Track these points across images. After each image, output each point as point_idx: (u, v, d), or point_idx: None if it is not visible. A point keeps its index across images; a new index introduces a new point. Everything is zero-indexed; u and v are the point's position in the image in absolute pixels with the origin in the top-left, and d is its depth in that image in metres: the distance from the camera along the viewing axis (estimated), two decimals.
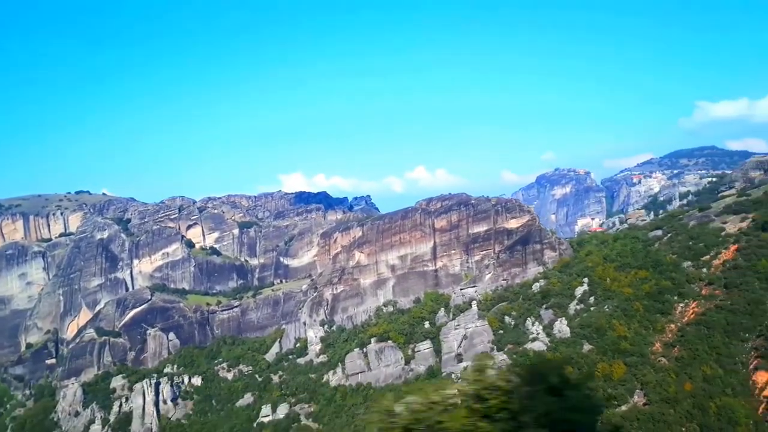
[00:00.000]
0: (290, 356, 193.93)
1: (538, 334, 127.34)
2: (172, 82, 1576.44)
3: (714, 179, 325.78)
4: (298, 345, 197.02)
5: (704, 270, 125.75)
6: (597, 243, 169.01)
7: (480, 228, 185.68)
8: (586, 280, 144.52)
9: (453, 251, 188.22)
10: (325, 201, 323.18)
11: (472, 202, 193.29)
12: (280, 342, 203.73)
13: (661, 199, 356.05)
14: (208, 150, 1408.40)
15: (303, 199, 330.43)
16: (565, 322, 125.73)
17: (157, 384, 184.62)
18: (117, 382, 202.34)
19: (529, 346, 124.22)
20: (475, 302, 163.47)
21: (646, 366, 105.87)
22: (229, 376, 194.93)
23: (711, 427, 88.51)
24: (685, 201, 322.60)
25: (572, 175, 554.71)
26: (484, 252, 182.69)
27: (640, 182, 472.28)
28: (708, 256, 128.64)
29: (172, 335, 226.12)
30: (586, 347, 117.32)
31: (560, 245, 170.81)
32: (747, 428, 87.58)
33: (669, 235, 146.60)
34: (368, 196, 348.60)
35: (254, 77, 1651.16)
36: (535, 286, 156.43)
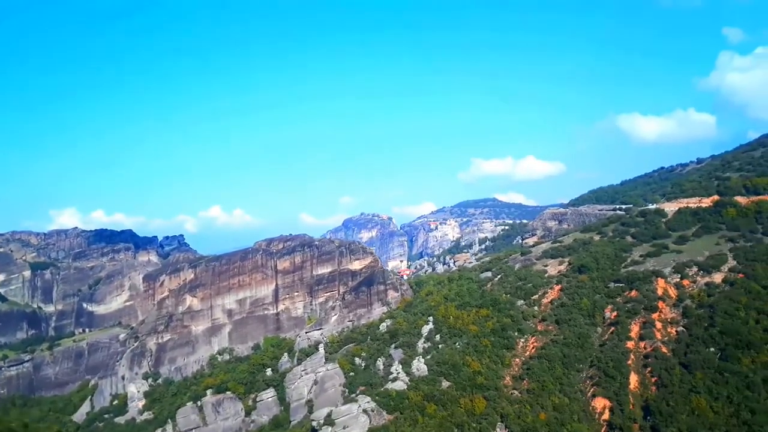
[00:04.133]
0: (106, 415, 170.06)
1: (398, 373, 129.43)
2: None
3: (506, 227, 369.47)
4: (115, 402, 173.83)
5: (536, 308, 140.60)
6: (434, 283, 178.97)
7: (324, 269, 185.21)
8: (431, 318, 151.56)
9: (296, 293, 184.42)
10: (131, 240, 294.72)
11: (316, 243, 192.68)
12: (91, 399, 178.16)
13: (463, 243, 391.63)
14: None
15: (104, 237, 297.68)
16: (422, 360, 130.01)
17: None
18: None
19: (390, 386, 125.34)
20: (321, 345, 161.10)
21: (503, 399, 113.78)
22: None
23: None
24: (483, 246, 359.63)
25: (377, 220, 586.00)
26: (328, 293, 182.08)
27: (437, 228, 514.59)
28: (537, 296, 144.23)
29: None
30: (445, 384, 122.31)
31: (401, 286, 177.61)
32: None
33: (499, 276, 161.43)
34: (181, 235, 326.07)
35: (26, 107, 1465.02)
36: (382, 326, 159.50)
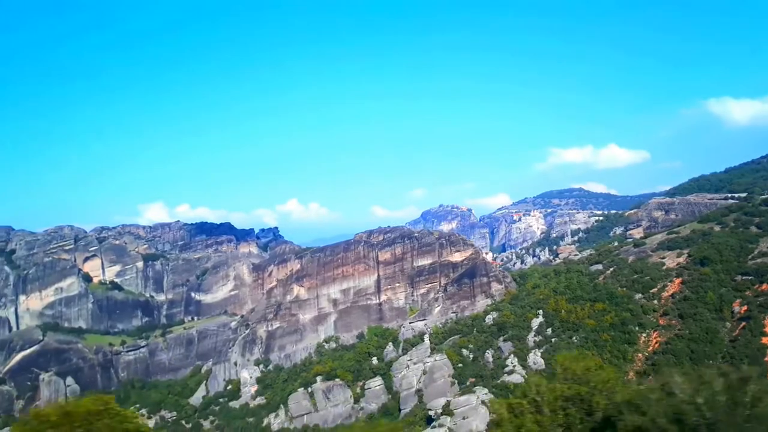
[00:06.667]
0: (220, 399, 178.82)
1: (514, 366, 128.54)
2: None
3: (601, 218, 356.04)
4: (229, 387, 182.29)
5: (655, 301, 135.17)
6: (539, 276, 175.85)
7: (425, 261, 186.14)
8: (540, 312, 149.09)
9: (397, 284, 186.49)
10: (230, 232, 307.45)
11: (416, 235, 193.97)
12: (206, 384, 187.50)
13: (554, 235, 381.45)
14: (53, 178, 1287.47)
15: (205, 230, 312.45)
16: (539, 354, 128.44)
17: None
18: None
19: (506, 379, 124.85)
20: (426, 336, 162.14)
21: None
22: (150, 423, 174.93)
23: None
24: (576, 238, 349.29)
25: (457, 212, 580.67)
26: (429, 285, 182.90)
27: (520, 219, 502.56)
28: (656, 289, 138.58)
29: (70, 380, 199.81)
30: None
31: (505, 278, 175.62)
32: None
33: (612, 269, 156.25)
34: (276, 228, 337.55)
35: (115, 104, 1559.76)
36: (488, 318, 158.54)
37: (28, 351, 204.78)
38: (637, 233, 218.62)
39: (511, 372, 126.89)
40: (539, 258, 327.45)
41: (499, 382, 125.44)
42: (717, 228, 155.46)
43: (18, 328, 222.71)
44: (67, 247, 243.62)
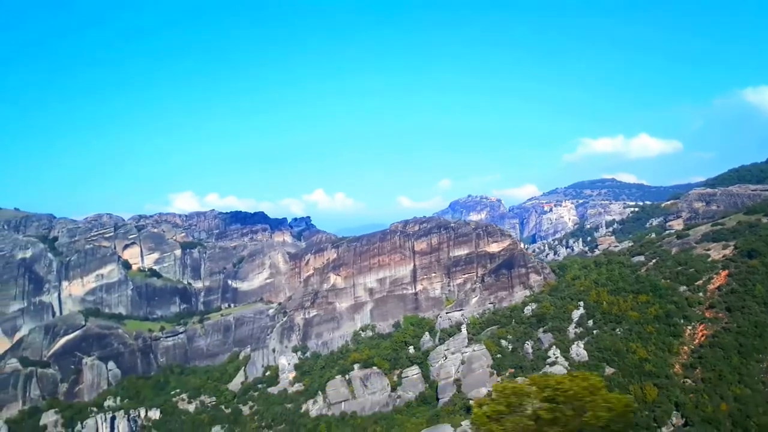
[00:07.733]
0: (259, 385, 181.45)
1: (556, 357, 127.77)
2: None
3: (636, 209, 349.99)
4: (267, 373, 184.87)
5: (700, 294, 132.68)
6: (579, 268, 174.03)
7: (461, 251, 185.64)
8: (581, 303, 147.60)
9: (434, 274, 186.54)
10: (264, 221, 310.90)
11: (452, 225, 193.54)
12: (245, 370, 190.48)
13: (588, 226, 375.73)
14: (86, 167, 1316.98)
15: (239, 219, 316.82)
16: (582, 345, 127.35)
17: (113, 419, 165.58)
18: (48, 417, 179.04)
19: (549, 370, 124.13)
20: (464, 326, 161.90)
21: (675, 388, 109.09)
22: (191, 408, 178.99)
23: None
24: (611, 229, 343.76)
25: (486, 202, 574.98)
26: (466, 275, 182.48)
27: (551, 210, 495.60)
28: (701, 281, 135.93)
29: (111, 364, 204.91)
30: (609, 370, 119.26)
31: (543, 269, 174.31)
32: None
33: (654, 260, 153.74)
34: (308, 217, 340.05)
35: (147, 95, 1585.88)
36: (527, 310, 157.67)
37: (71, 336, 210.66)
38: (677, 224, 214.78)
39: (553, 363, 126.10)
40: (572, 249, 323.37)
41: (540, 373, 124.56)
42: (764, 219, 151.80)
43: (61, 313, 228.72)
44: (107, 235, 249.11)
